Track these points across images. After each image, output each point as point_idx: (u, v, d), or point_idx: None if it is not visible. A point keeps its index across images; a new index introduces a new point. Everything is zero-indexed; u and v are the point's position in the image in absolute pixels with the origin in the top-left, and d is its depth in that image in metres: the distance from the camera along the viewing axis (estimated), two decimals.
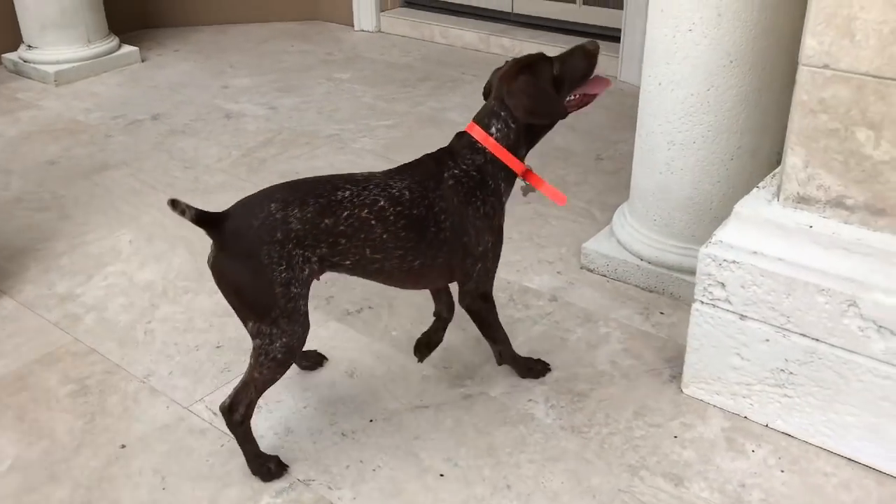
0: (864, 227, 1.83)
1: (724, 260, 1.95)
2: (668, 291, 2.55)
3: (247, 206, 1.81)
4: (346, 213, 1.79)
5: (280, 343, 1.80)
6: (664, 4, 2.29)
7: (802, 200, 1.90)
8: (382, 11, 5.28)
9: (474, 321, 2.10)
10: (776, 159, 2.45)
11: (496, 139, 1.90)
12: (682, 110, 2.35)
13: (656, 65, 2.37)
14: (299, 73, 4.60)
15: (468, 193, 1.88)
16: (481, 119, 1.93)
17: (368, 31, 5.30)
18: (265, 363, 1.83)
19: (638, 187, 2.59)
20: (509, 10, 4.97)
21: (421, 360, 2.26)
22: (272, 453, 1.99)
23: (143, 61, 4.81)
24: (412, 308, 2.53)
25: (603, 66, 4.21)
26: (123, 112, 4.10)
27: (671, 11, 2.27)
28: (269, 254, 1.74)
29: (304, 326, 1.84)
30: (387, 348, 2.37)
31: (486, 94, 2.00)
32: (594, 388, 2.19)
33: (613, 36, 4.35)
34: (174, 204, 1.70)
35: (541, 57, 1.93)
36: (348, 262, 1.84)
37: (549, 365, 2.26)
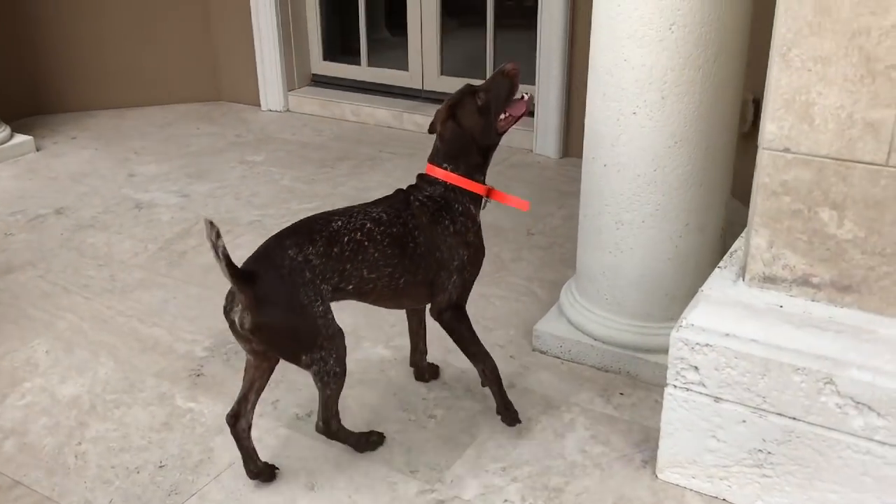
0: (831, 304, 1.86)
1: (697, 343, 1.93)
2: (625, 371, 2.53)
3: (267, 260, 1.96)
4: (346, 239, 2.01)
5: (333, 360, 2.01)
6: (606, 89, 2.31)
7: (768, 280, 1.92)
8: (290, 90, 5.20)
9: (449, 335, 2.23)
10: (721, 234, 2.50)
11: (451, 171, 2.13)
12: (629, 191, 2.36)
13: (600, 147, 2.39)
14: (209, 157, 4.44)
15: (434, 214, 2.11)
16: (433, 158, 2.17)
17: (276, 111, 5.21)
18: (329, 381, 2.03)
19: (586, 267, 2.58)
20: (419, 88, 4.98)
21: (424, 379, 2.53)
22: None
23: (38, 150, 4.54)
24: (364, 408, 2.41)
25: (518, 139, 4.26)
26: (22, 207, 3.84)
27: (614, 95, 2.30)
28: (307, 294, 1.93)
29: (342, 337, 2.04)
30: (345, 454, 2.23)
31: (431, 132, 2.23)
32: (569, 482, 2.12)
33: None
34: (210, 225, 1.81)
35: (466, 92, 2.16)
36: (351, 287, 2.04)
37: (520, 419, 2.29)
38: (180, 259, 3.33)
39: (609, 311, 2.54)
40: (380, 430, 2.31)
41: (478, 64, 4.81)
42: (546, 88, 4.24)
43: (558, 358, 2.62)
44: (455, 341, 2.23)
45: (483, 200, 2.19)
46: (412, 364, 2.55)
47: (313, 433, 2.31)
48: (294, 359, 2.01)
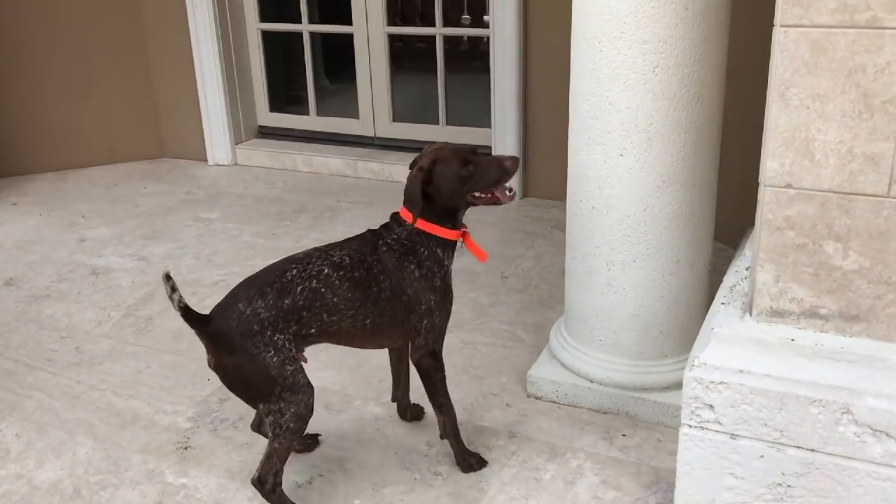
0: (840, 334, 1.88)
1: (712, 381, 1.93)
2: (624, 411, 2.52)
3: (221, 311, 2.05)
4: (299, 289, 2.03)
5: (290, 414, 2.03)
6: (591, 133, 2.33)
7: (776, 314, 1.94)
8: (237, 143, 5.12)
9: (422, 381, 2.25)
10: (709, 270, 2.53)
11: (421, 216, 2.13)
12: (619, 231, 2.37)
13: (587, 189, 2.40)
14: (162, 217, 4.32)
15: (401, 258, 2.12)
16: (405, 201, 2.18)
17: (224, 165, 5.11)
18: (280, 434, 2.04)
19: (577, 309, 2.57)
20: (371, 135, 4.97)
21: (407, 419, 2.53)
22: None
23: None
24: (365, 470, 2.34)
25: None
26: None
27: (599, 139, 2.32)
28: (255, 344, 1.98)
29: (308, 394, 2.06)
30: None
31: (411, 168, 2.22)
32: None
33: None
34: (167, 278, 1.94)
35: (454, 154, 2.13)
36: (314, 331, 2.07)
37: (485, 461, 2.33)
38: (147, 325, 3.21)
39: (603, 351, 2.53)
40: (386, 491, 2.24)
41: (431, 108, 4.82)
42: (502, 130, 4.27)
43: (555, 402, 2.60)
44: (426, 389, 2.26)
45: (458, 243, 2.20)
46: (393, 399, 2.53)
47: (318, 500, 2.23)
48: (253, 405, 2.11)
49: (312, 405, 2.07)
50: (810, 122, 1.76)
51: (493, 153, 4.33)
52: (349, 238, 2.21)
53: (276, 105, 5.29)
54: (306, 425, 2.08)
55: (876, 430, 1.81)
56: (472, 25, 6.95)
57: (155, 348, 3.04)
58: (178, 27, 4.88)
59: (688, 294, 2.45)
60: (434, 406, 2.27)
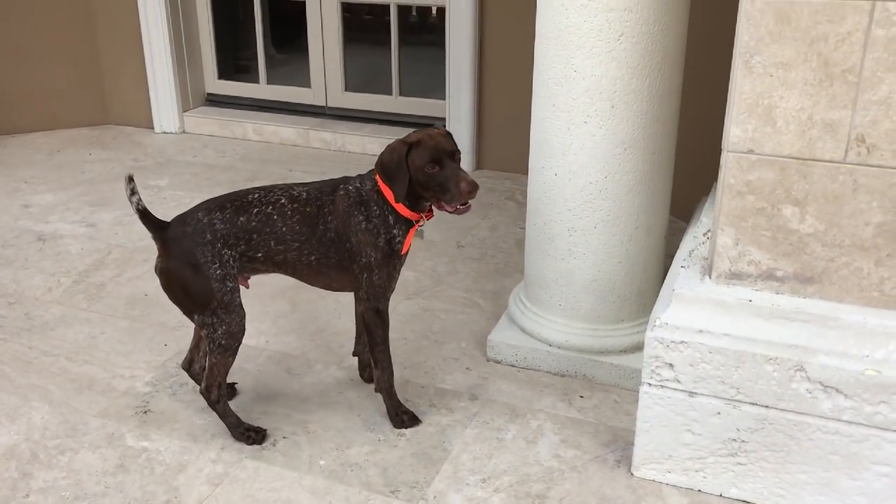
0: (795, 295, 1.97)
1: (672, 341, 2.00)
2: (581, 374, 2.58)
3: (179, 218, 2.17)
4: (255, 211, 2.16)
5: (221, 331, 2.16)
6: (555, 100, 2.36)
7: (734, 276, 2.01)
8: (185, 111, 5.02)
9: (366, 333, 2.31)
10: (665, 235, 2.59)
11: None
12: (581, 198, 2.42)
13: (550, 156, 2.43)
14: (108, 184, 4.23)
15: (352, 206, 2.19)
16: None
17: (172, 133, 5.01)
18: (214, 350, 2.18)
19: (537, 274, 2.62)
20: (323, 105, 4.92)
21: (367, 380, 2.55)
22: None
23: None
24: (330, 431, 2.35)
25: None
26: None
27: (564, 106, 2.35)
28: (203, 253, 2.11)
29: (241, 315, 2.19)
30: (321, 481, 2.17)
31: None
32: (550, 487, 2.14)
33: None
34: (129, 179, 2.11)
35: (432, 147, 2.13)
36: (260, 255, 2.18)
37: (418, 419, 2.37)
38: (100, 291, 3.15)
39: (562, 316, 2.59)
40: (351, 451, 2.26)
41: (382, 79, 4.80)
42: (457, 103, 4.28)
43: (514, 366, 2.65)
44: (368, 341, 2.32)
45: (416, 226, 2.23)
46: (354, 353, 2.58)
47: (282, 461, 2.24)
48: (188, 314, 2.20)
49: (244, 326, 2.20)
50: (773, 89, 1.82)
51: (447, 126, 4.34)
52: (317, 180, 2.31)
53: (225, 72, 5.20)
54: (237, 345, 2.20)
55: (827, 387, 1.91)
56: None
57: (109, 314, 2.98)
58: None
59: (645, 259, 2.52)
60: (372, 359, 2.33)
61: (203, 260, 2.10)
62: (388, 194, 2.17)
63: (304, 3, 4.76)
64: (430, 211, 2.25)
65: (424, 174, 2.13)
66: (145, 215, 2.12)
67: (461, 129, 4.31)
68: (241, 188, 2.29)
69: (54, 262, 3.39)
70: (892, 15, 1.68)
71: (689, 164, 2.97)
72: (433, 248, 3.46)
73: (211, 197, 2.24)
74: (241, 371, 2.62)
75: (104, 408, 2.46)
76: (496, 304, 3.03)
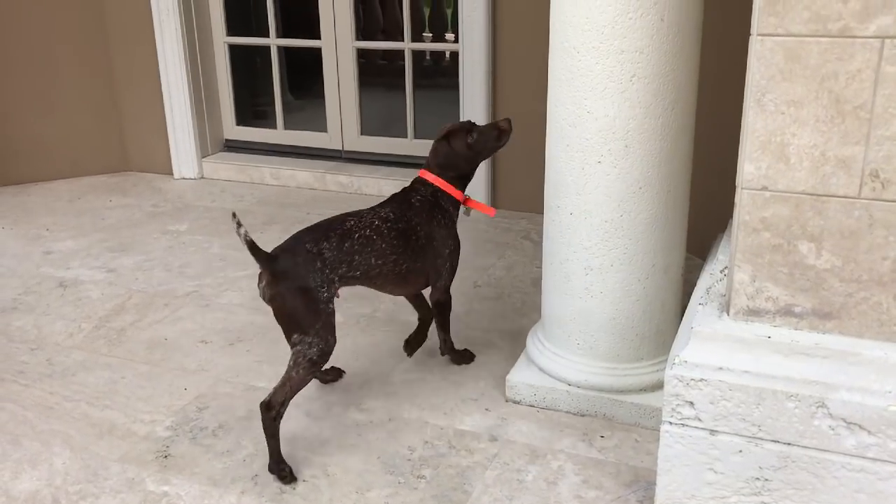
0: (814, 331, 1.96)
1: (692, 379, 1.99)
2: (601, 413, 2.57)
3: (287, 250, 2.35)
4: (357, 235, 2.43)
5: (317, 349, 2.31)
6: (570, 140, 2.39)
7: (753, 313, 2.01)
8: (203, 157, 5.10)
9: (438, 314, 2.79)
10: (682, 273, 2.60)
11: (440, 177, 2.65)
12: (597, 236, 2.43)
13: (566, 195, 2.45)
14: (130, 229, 4.28)
15: (430, 210, 2.60)
16: (426, 167, 2.69)
17: (190, 179, 5.09)
18: (302, 364, 2.30)
19: (554, 313, 2.62)
20: (339, 149, 4.99)
21: (410, 354, 2.89)
22: None
23: None
24: (349, 474, 2.35)
25: None
26: None
27: (578, 146, 2.38)
28: (315, 279, 2.31)
29: (334, 335, 2.36)
30: None
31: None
32: None
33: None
34: (234, 215, 2.22)
35: (462, 127, 2.68)
36: (359, 273, 2.44)
37: (473, 355, 2.93)
38: (120, 336, 3.18)
39: (581, 355, 2.58)
40: (371, 495, 2.25)
41: (397, 123, 4.86)
42: None
43: (533, 406, 2.64)
44: (438, 318, 2.80)
45: (461, 207, 2.70)
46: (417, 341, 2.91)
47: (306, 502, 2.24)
48: (288, 334, 2.32)
49: (334, 345, 2.35)
50: (785, 126, 1.84)
51: None
52: (385, 200, 2.65)
53: (243, 119, 5.29)
54: (325, 362, 2.35)
55: (849, 423, 1.89)
56: (432, 42, 7.04)
57: (129, 359, 3.01)
58: (144, 39, 4.86)
59: (663, 297, 2.52)
60: (441, 330, 2.83)
61: (314, 285, 2.30)
62: (448, 188, 2.64)
63: (319, 50, 4.85)
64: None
65: (470, 145, 2.64)
66: (253, 246, 2.23)
67: (478, 170, 4.34)
68: (334, 217, 2.53)
69: (75, 307, 3.43)
70: None
71: (703, 201, 2.98)
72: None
73: (305, 228, 2.46)
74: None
75: (125, 452, 2.47)
76: (514, 343, 3.03)
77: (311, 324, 2.28)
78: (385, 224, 2.50)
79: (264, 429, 2.31)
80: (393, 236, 2.50)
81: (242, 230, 2.18)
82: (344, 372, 2.86)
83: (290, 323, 2.31)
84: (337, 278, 2.36)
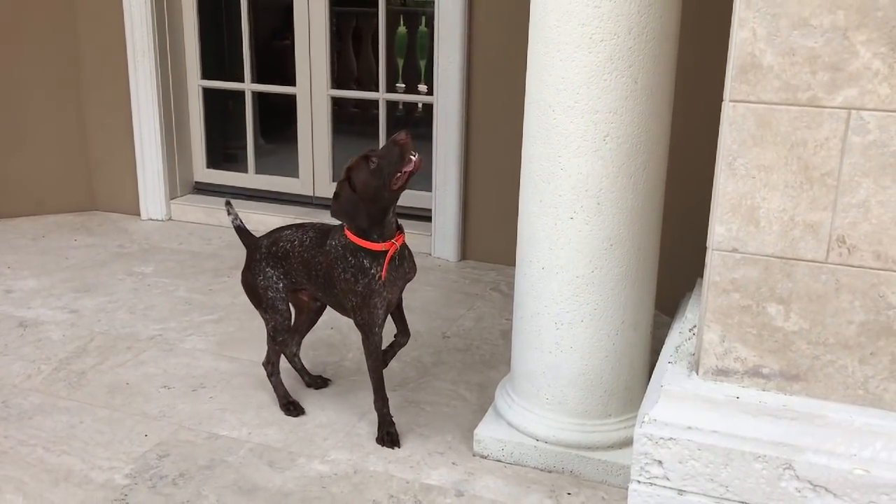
0: (781, 392, 1.98)
1: (661, 438, 1.99)
2: (568, 470, 2.55)
3: (252, 244, 2.81)
4: (281, 244, 2.70)
5: (271, 326, 2.78)
6: (543, 196, 2.42)
7: (721, 373, 2.03)
8: (172, 199, 5.07)
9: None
10: (651, 331, 2.62)
11: (347, 229, 2.52)
12: (568, 291, 2.45)
13: (539, 250, 2.47)
14: (93, 270, 4.22)
15: (333, 261, 2.55)
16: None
17: (158, 220, 5.04)
18: (269, 336, 2.81)
19: (523, 368, 2.62)
20: (311, 194, 4.99)
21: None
22: None
23: None
24: None
25: (416, 244, 4.30)
26: None
27: (551, 202, 2.40)
28: (254, 269, 2.76)
29: (284, 316, 2.75)
30: None
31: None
32: None
33: (424, 216, 4.51)
34: (227, 203, 2.91)
35: (361, 156, 2.47)
36: (295, 280, 2.71)
37: (399, 438, 2.69)
38: (80, 380, 3.10)
39: (550, 410, 2.58)
40: None
41: None
42: (443, 195, 4.35)
43: (500, 461, 2.62)
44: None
45: (389, 254, 2.50)
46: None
47: None
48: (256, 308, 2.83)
49: (288, 325, 2.79)
50: (755, 190, 1.88)
51: (434, 217, 4.41)
52: (325, 224, 2.70)
53: (213, 161, 5.28)
54: (284, 336, 2.80)
55: (815, 486, 1.90)
56: (405, 93, 7.11)
57: (88, 403, 2.94)
58: (117, 79, 4.85)
59: (631, 354, 2.53)
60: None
61: (255, 272, 2.75)
62: (355, 239, 2.48)
63: (292, 96, 4.87)
64: (400, 234, 2.54)
65: (374, 172, 2.41)
66: (239, 231, 2.81)
67: (447, 220, 4.38)
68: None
69: (35, 348, 3.35)
70: (867, 123, 1.76)
71: (671, 259, 3.01)
72: (419, 339, 3.45)
73: (284, 226, 2.82)
74: (222, 464, 2.57)
75: (81, 501, 2.40)
76: (482, 396, 3.02)
77: (257, 304, 2.79)
78: (299, 247, 2.65)
79: (273, 388, 2.91)
80: (300, 261, 2.65)
81: (231, 216, 2.80)
82: (329, 381, 3.08)
83: (250, 300, 2.83)
84: (281, 275, 2.70)
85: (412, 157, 2.43)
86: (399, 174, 2.42)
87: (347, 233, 2.51)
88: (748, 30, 1.80)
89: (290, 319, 2.81)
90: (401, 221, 2.59)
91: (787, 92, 1.79)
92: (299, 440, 2.72)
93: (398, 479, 2.52)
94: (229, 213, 2.84)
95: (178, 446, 2.67)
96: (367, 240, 2.49)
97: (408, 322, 2.79)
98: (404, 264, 2.59)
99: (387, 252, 2.50)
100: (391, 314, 2.70)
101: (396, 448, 2.66)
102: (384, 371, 2.71)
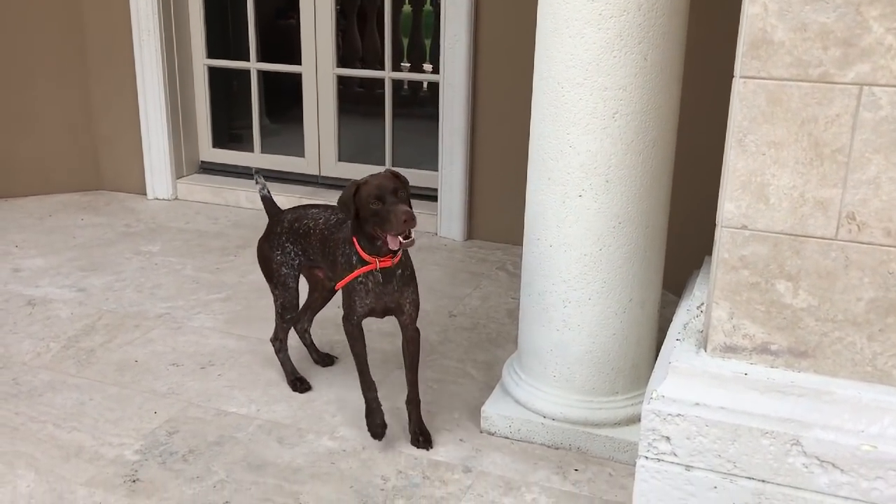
0: (789, 369, 1.98)
1: (669, 414, 2.00)
2: (576, 446, 2.57)
3: (276, 215, 2.86)
4: (304, 222, 2.73)
5: (279, 302, 2.83)
6: (552, 173, 2.41)
7: (729, 350, 2.03)
8: (178, 178, 5.07)
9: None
10: (658, 308, 2.62)
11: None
12: (576, 269, 2.45)
13: (546, 228, 2.47)
14: (101, 249, 4.23)
15: (341, 243, 2.53)
16: None
17: (164, 200, 5.05)
18: (277, 312, 2.85)
19: (531, 345, 2.63)
20: (316, 174, 4.99)
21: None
22: None
23: None
24: (323, 502, 2.32)
25: (422, 223, 4.30)
26: None
27: (560, 179, 2.40)
28: (272, 243, 2.79)
29: (292, 293, 2.79)
30: None
31: None
32: None
33: (430, 196, 4.50)
34: (256, 171, 3.03)
35: (376, 186, 2.33)
36: (312, 258, 2.74)
37: (385, 427, 2.56)
38: (89, 357, 3.12)
39: (557, 387, 2.59)
40: None
41: (374, 151, 4.88)
42: (449, 174, 4.35)
43: (508, 438, 2.64)
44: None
45: (361, 270, 2.42)
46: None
47: None
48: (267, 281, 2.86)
49: (296, 304, 2.82)
50: (765, 167, 1.87)
51: (440, 196, 4.40)
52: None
53: (219, 141, 5.27)
54: (292, 314, 2.84)
55: (823, 461, 1.91)
56: (410, 72, 7.08)
57: (98, 380, 2.96)
58: (123, 59, 4.84)
59: (639, 332, 2.54)
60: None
61: (270, 247, 2.79)
62: (356, 243, 2.42)
63: (298, 75, 4.86)
64: (388, 258, 2.41)
65: (369, 209, 2.33)
66: (265, 199, 2.89)
67: (453, 199, 4.37)
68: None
69: (44, 326, 3.37)
70: (879, 99, 1.75)
71: (678, 238, 3.01)
72: (425, 318, 3.46)
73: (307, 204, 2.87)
74: (231, 440, 2.59)
75: (91, 476, 2.42)
76: (489, 374, 3.03)
77: (269, 278, 2.81)
78: (323, 224, 2.66)
79: (280, 363, 2.95)
80: (318, 238, 2.65)
81: (259, 184, 2.90)
82: (336, 358, 3.10)
83: (262, 271, 2.86)
84: (299, 252, 2.72)
85: (403, 240, 2.29)
86: (383, 239, 2.34)
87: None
88: (759, 5, 1.79)
89: (299, 298, 2.82)
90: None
91: (798, 68, 1.78)
92: (308, 417, 2.74)
93: (406, 456, 2.53)
94: (257, 182, 2.89)
95: (187, 423, 2.69)
96: (358, 242, 2.42)
97: (419, 388, 2.63)
98: (393, 282, 2.44)
99: (367, 263, 2.41)
100: (405, 375, 2.61)
101: (378, 441, 2.55)
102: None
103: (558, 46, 2.30)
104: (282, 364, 2.94)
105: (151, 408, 2.78)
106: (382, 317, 2.57)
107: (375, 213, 2.31)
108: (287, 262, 2.74)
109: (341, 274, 2.49)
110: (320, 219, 2.68)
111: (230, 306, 3.57)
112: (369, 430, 2.56)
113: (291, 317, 2.85)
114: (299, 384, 2.90)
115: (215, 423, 2.69)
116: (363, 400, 2.57)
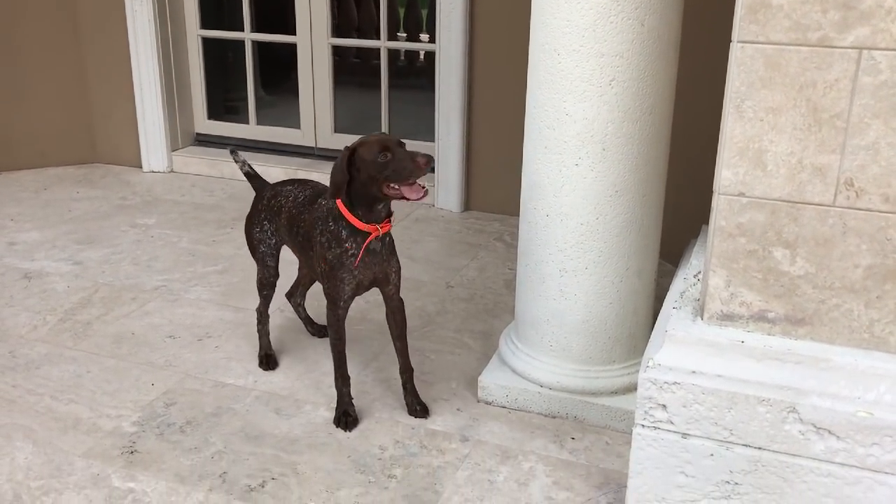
0: (786, 337, 1.98)
1: (665, 382, 2.00)
2: (572, 415, 2.57)
3: (260, 190, 2.78)
4: (279, 198, 2.65)
5: (259, 276, 2.79)
6: (548, 142, 2.39)
7: (726, 318, 2.02)
8: (174, 151, 5.04)
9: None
10: (655, 278, 2.61)
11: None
12: (573, 238, 2.44)
13: (543, 197, 2.46)
14: (97, 222, 4.21)
15: (315, 220, 2.44)
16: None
17: (160, 172, 5.02)
18: (257, 286, 2.81)
19: (528, 315, 2.62)
20: (312, 146, 4.95)
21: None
22: None
23: None
24: (320, 473, 2.33)
25: None
26: None
27: (556, 148, 2.38)
28: (253, 219, 2.74)
29: (269, 270, 2.76)
30: None
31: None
32: None
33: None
34: (233, 151, 2.85)
35: (378, 140, 2.26)
36: (283, 236, 2.65)
37: (356, 422, 2.53)
38: (86, 330, 3.12)
39: (553, 356, 2.59)
40: (341, 493, 2.23)
41: (371, 121, 4.84)
42: (446, 145, 4.32)
43: (505, 407, 2.64)
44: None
45: (369, 239, 2.33)
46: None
47: (269, 502, 2.21)
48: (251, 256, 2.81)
49: (273, 281, 2.78)
50: (763, 133, 1.85)
51: (437, 168, 4.38)
52: (320, 183, 2.67)
53: (214, 113, 5.23)
54: (266, 289, 2.79)
55: (819, 428, 1.91)
56: (407, 42, 7.02)
57: (95, 353, 2.95)
58: (116, 30, 4.79)
59: (635, 301, 2.53)
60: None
61: (253, 222, 2.74)
62: (342, 207, 2.32)
63: (293, 46, 4.81)
64: (388, 222, 2.35)
65: (377, 164, 2.23)
66: (248, 174, 2.79)
67: (450, 170, 4.35)
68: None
69: (40, 299, 3.36)
70: (879, 63, 1.73)
71: (675, 207, 3.00)
72: (422, 289, 3.46)
73: (288, 179, 2.79)
74: (229, 411, 2.59)
75: (89, 448, 2.42)
76: (486, 344, 3.03)
77: (252, 253, 2.77)
78: (288, 203, 2.59)
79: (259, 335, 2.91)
80: (287, 217, 2.58)
81: (240, 162, 2.78)
82: (277, 363, 2.94)
83: (247, 245, 2.80)
84: (274, 229, 2.67)
85: (421, 185, 2.25)
86: (397, 188, 2.25)
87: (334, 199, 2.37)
88: None
89: (276, 276, 2.78)
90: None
91: (797, 32, 1.76)
92: (305, 387, 2.74)
93: (403, 425, 2.54)
94: (236, 161, 2.80)
95: (184, 395, 2.69)
96: (352, 213, 2.31)
97: (409, 356, 2.61)
98: (382, 251, 2.40)
99: (367, 233, 2.33)
100: (394, 345, 2.60)
101: (348, 433, 2.49)
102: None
103: (554, 12, 2.27)
104: (259, 336, 2.89)
105: (149, 380, 2.78)
106: (367, 290, 2.48)
107: (385, 164, 2.21)
108: (265, 240, 2.70)
109: (324, 251, 2.36)
110: (290, 196, 2.60)
111: (226, 278, 3.56)
112: (340, 423, 2.51)
113: (267, 293, 2.80)
114: (265, 360, 2.85)
115: (212, 395, 2.69)
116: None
